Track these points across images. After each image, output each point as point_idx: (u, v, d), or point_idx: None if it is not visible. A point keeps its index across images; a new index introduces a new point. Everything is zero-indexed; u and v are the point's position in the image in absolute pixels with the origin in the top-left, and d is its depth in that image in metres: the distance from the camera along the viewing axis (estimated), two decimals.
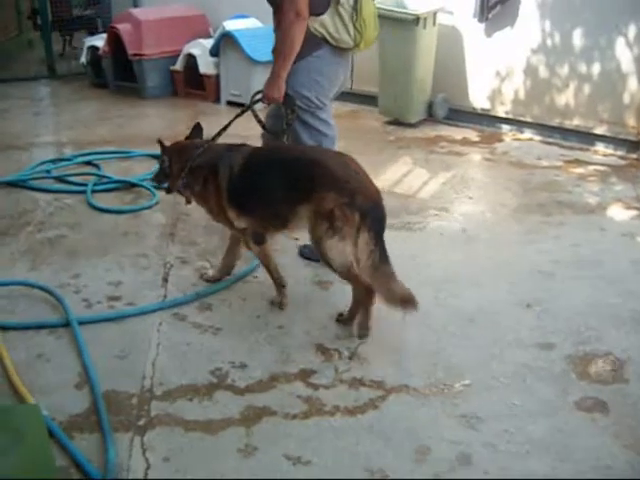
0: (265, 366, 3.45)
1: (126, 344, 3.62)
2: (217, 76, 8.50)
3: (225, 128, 4.05)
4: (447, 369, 3.44)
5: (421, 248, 4.68)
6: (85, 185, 5.77)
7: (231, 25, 8.21)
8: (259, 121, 4.15)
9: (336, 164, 3.52)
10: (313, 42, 3.94)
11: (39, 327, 3.77)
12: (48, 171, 6.17)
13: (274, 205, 3.64)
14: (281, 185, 3.58)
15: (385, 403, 3.21)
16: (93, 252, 4.59)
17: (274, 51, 3.97)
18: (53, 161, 6.50)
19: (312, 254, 4.19)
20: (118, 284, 4.22)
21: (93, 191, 5.66)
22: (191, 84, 8.79)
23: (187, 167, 3.83)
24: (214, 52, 8.37)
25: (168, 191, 4.10)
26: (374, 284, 3.46)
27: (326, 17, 3.93)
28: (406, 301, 3.46)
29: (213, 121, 8.01)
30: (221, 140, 4.07)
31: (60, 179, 6.04)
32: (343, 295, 3.92)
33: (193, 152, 3.85)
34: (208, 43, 8.43)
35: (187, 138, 4.12)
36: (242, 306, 3.98)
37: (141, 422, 3.08)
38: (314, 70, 4.04)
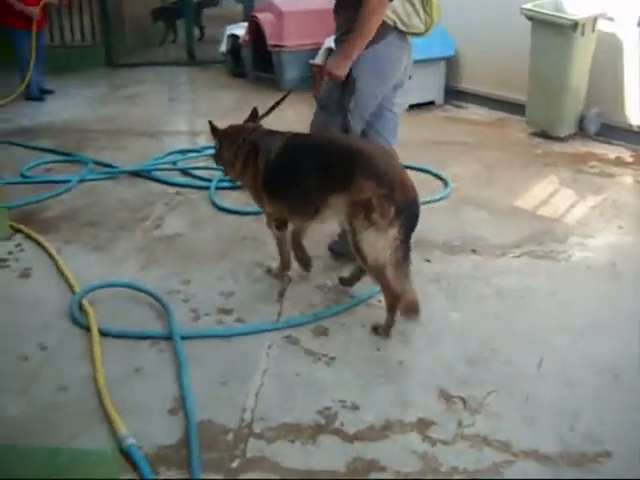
0: (379, 409, 3.02)
1: (230, 367, 3.28)
2: None
3: (275, 106, 4.02)
4: (585, 434, 2.90)
5: (564, 282, 4.11)
6: (210, 181, 5.51)
7: None
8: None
9: (377, 154, 3.46)
10: (383, 29, 3.75)
11: (141, 338, 3.49)
12: (174, 163, 5.96)
13: (307, 192, 3.56)
14: (317, 172, 3.50)
15: (510, 470, 2.71)
16: (208, 256, 4.29)
17: (348, 32, 3.72)
18: (182, 152, 6.31)
19: (344, 249, 3.91)
20: (230, 295, 3.90)
21: (217, 188, 5.39)
22: None
23: (235, 150, 3.82)
24: None
25: (225, 174, 4.15)
26: (393, 280, 3.39)
27: (396, 2, 3.77)
28: (410, 309, 3.46)
29: None
30: None
31: (186, 172, 5.82)
32: (475, 332, 3.48)
33: (241, 135, 3.83)
34: None
35: (245, 122, 4.01)
36: (361, 334, 3.56)
37: (234, 464, 2.72)
38: (382, 57, 3.83)
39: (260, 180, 3.72)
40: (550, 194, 5.46)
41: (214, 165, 5.44)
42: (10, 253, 4.44)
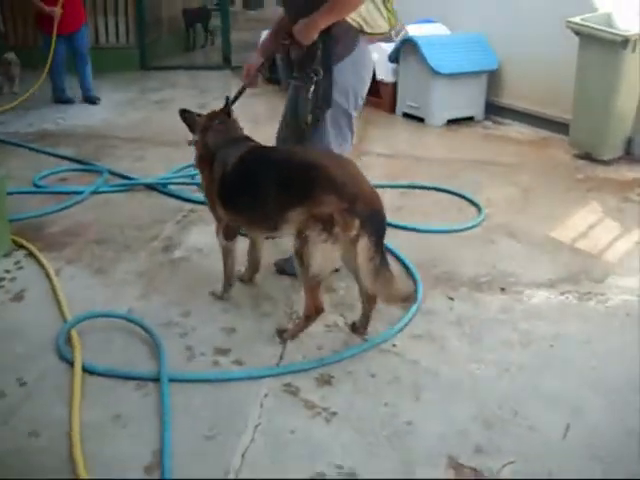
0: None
1: (219, 419, 2.96)
2: (395, 84, 7.78)
3: (238, 96, 3.86)
4: None
5: (599, 330, 3.71)
6: None
7: (415, 30, 7.45)
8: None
9: (336, 166, 3.30)
10: (352, 34, 3.64)
11: (127, 378, 3.19)
12: (192, 176, 5.66)
13: (265, 207, 3.43)
14: (275, 187, 3.36)
15: None
16: (213, 285, 3.96)
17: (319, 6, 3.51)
18: None
19: (291, 268, 3.69)
20: (231, 332, 3.59)
21: None
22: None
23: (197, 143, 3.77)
24: (394, 58, 7.66)
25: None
26: (376, 289, 3.27)
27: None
28: (406, 299, 3.41)
29: (384, 133, 7.49)
30: None
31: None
32: (495, 387, 3.12)
33: (206, 128, 3.74)
34: (389, 48, 7.70)
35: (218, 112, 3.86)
36: (369, 385, 3.21)
37: None
38: (360, 64, 3.74)
39: (215, 189, 3.61)
40: (591, 225, 5.05)
41: None
42: (7, 272, 4.19)
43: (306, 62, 3.64)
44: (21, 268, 4.24)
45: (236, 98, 3.85)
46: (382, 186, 5.51)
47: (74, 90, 8.49)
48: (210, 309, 3.79)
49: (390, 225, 4.74)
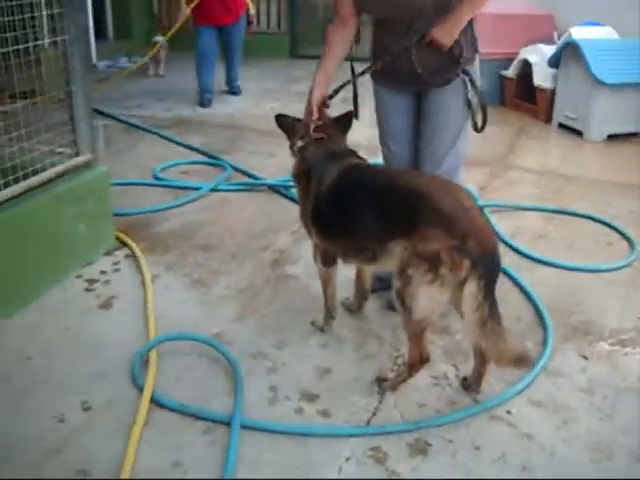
0: None
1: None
2: (553, 91, 7.08)
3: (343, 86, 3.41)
4: None
5: None
6: None
7: (579, 33, 6.75)
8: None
9: (446, 196, 2.79)
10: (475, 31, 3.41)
11: (196, 417, 2.82)
12: None
13: (363, 235, 2.99)
14: (374, 214, 2.91)
15: None
16: (318, 312, 3.54)
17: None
18: None
19: None
20: (324, 373, 3.15)
21: None
22: (522, 95, 7.50)
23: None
24: (554, 62, 6.95)
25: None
26: (483, 342, 2.77)
27: None
28: (520, 361, 2.82)
29: (536, 145, 6.81)
30: None
31: None
32: None
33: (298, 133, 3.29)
34: (549, 50, 7.02)
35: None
36: (471, 460, 2.68)
37: None
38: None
39: (308, 210, 3.18)
40: None
41: None
42: (103, 273, 3.94)
43: (449, 65, 3.29)
44: (118, 270, 3.99)
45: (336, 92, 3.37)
46: (525, 208, 4.97)
47: (218, 76, 8.21)
48: (307, 341, 3.38)
49: (526, 256, 4.24)
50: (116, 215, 4.37)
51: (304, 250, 4.22)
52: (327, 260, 3.30)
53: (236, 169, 5.48)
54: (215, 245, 4.32)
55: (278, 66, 9.62)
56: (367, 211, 2.93)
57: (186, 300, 3.73)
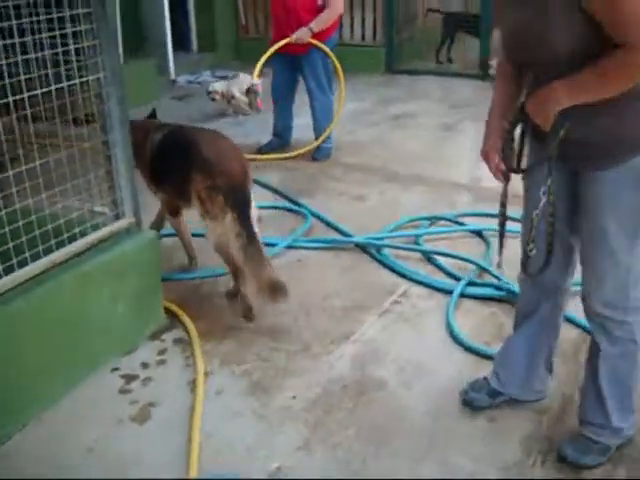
0: None
1: None
2: None
3: None
4: None
5: None
6: (457, 279, 3.86)
7: None
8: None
9: (207, 144, 3.50)
10: None
11: None
12: (417, 238, 4.33)
13: (175, 183, 3.60)
14: (177, 165, 3.54)
15: None
16: (413, 439, 2.66)
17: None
18: (430, 219, 4.65)
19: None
20: None
21: (464, 295, 3.71)
22: None
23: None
24: None
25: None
26: (246, 267, 3.32)
27: None
28: (275, 289, 3.23)
29: None
30: None
31: (428, 257, 4.16)
32: None
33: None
34: None
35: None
36: None
37: None
38: None
39: (148, 170, 3.73)
40: None
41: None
42: (144, 367, 3.18)
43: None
44: (163, 362, 3.21)
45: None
46: None
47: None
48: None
49: None
50: (165, 280, 3.61)
51: (396, 342, 3.36)
52: (172, 211, 3.85)
53: (319, 218, 4.62)
54: (285, 329, 3.47)
55: (372, 82, 8.66)
56: (175, 162, 3.53)
57: (242, 413, 2.90)
